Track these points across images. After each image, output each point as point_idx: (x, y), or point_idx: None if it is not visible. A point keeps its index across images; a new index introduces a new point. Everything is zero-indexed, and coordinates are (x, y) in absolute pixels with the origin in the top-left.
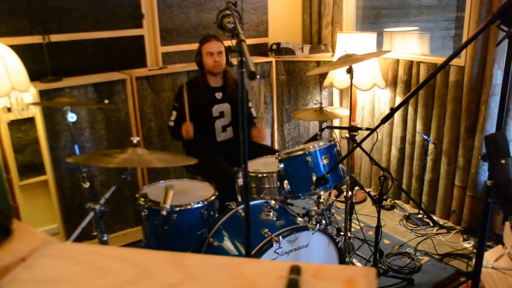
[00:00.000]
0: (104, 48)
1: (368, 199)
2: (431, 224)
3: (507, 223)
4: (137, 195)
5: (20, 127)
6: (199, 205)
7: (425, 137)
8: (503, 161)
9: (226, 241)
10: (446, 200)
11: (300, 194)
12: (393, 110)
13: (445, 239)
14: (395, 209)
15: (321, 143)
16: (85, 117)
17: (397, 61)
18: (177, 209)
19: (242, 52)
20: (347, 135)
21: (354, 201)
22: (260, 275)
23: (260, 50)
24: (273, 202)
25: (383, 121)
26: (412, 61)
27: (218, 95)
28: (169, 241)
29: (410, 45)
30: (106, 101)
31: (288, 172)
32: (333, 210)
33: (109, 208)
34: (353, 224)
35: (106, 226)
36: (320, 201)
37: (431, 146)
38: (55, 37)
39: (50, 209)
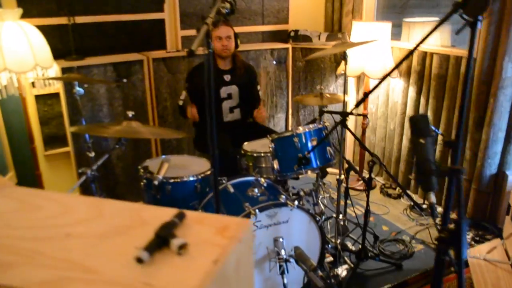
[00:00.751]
0: (126, 31)
1: (378, 186)
2: (436, 214)
3: (508, 217)
4: (139, 167)
5: (47, 101)
6: (193, 178)
7: (433, 128)
8: (422, 141)
9: (214, 212)
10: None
11: (288, 174)
12: (366, 94)
13: None
14: (401, 198)
15: (310, 126)
16: (104, 94)
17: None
18: (172, 181)
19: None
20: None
21: (364, 188)
22: (154, 218)
23: (281, 36)
24: (262, 179)
25: (357, 104)
26: (426, 52)
27: (227, 77)
28: None
29: (431, 36)
30: (125, 80)
31: (278, 152)
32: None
33: (107, 174)
34: (355, 209)
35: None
36: (319, 183)
37: (440, 138)
38: (80, 19)
39: (71, 178)
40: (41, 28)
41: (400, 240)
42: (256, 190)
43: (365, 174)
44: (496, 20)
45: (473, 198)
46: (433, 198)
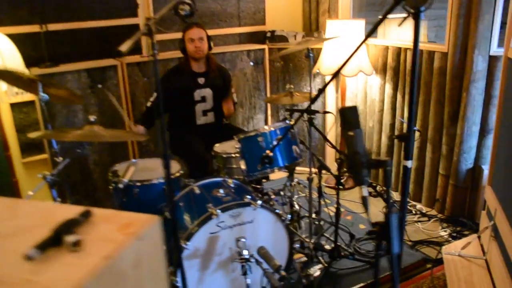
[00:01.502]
0: (100, 37)
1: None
2: (414, 212)
3: (483, 212)
4: (109, 171)
5: (22, 109)
6: (161, 181)
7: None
8: (350, 133)
9: (179, 213)
10: (431, 189)
11: (255, 173)
12: (320, 91)
13: (423, 227)
14: (381, 197)
15: (276, 125)
16: None
17: (386, 48)
18: (138, 184)
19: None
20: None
21: (346, 186)
22: (64, 217)
23: (258, 38)
24: (230, 180)
25: (312, 101)
26: (400, 48)
27: (201, 80)
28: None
29: (404, 32)
30: (99, 86)
31: (244, 152)
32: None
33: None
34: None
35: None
36: (289, 182)
37: (416, 134)
38: (52, 26)
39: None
40: (14, 36)
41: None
42: (221, 190)
43: (346, 173)
44: (464, 13)
45: (451, 194)
46: (365, 191)
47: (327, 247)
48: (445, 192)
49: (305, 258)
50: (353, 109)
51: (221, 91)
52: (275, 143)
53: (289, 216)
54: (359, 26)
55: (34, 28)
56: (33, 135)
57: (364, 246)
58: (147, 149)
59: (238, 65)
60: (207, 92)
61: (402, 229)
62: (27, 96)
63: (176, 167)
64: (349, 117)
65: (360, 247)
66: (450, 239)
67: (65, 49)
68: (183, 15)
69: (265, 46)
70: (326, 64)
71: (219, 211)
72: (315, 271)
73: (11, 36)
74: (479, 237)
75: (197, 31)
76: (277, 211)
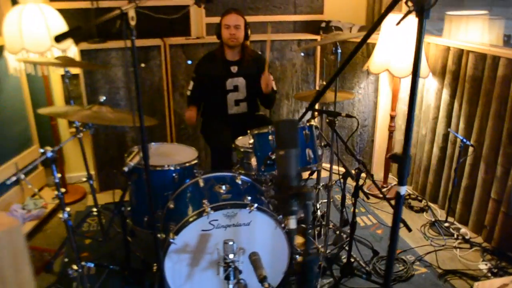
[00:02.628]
0: (150, 16)
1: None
2: (455, 236)
3: None
4: (125, 153)
5: (72, 81)
6: (171, 168)
7: (459, 136)
8: (281, 152)
9: (179, 204)
10: (479, 213)
11: (264, 173)
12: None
13: (461, 255)
14: (424, 213)
15: None
16: (121, 78)
17: (448, 48)
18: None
19: None
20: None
21: (387, 196)
22: None
23: (313, 27)
24: (238, 177)
25: (307, 109)
26: (462, 50)
27: (234, 68)
28: (142, 197)
29: (474, 32)
30: (143, 65)
31: (256, 149)
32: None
33: None
34: (365, 219)
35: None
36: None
37: (470, 149)
38: (103, 3)
39: (89, 154)
40: (66, 11)
41: (402, 260)
42: (223, 187)
43: (392, 181)
44: None
45: (500, 222)
46: (292, 224)
47: (345, 260)
48: (495, 220)
49: (317, 270)
50: (290, 123)
51: (256, 81)
52: None
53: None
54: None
55: (85, 4)
56: (41, 111)
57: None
58: (184, 132)
59: (287, 55)
60: (240, 81)
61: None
62: (76, 70)
63: (190, 156)
64: (282, 132)
65: (380, 266)
66: (489, 274)
67: (113, 26)
68: (204, 1)
69: (318, 37)
70: (377, 61)
71: (210, 209)
72: (323, 285)
73: (63, 11)
74: None
75: (234, 17)
76: (280, 217)
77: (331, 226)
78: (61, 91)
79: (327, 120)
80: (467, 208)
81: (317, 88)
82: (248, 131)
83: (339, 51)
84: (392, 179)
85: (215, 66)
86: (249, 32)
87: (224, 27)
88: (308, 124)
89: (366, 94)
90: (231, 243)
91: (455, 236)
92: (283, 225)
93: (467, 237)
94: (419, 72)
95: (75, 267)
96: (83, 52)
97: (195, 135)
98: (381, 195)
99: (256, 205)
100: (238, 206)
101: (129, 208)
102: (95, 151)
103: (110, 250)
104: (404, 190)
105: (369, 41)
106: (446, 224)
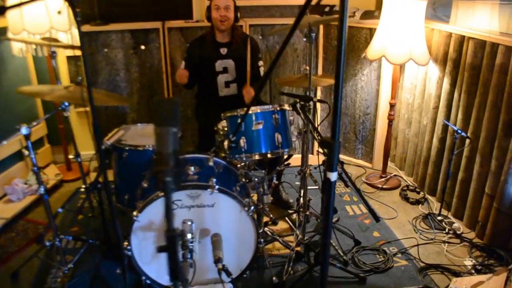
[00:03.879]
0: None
1: (401, 186)
2: (446, 230)
3: None
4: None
5: (77, 62)
6: (149, 148)
7: (454, 127)
8: (158, 130)
9: (151, 184)
10: (474, 208)
11: (234, 157)
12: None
13: (449, 249)
14: (420, 205)
15: (258, 108)
16: (121, 60)
17: (450, 35)
18: (127, 148)
19: None
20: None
21: (383, 186)
22: None
23: (319, 11)
24: (211, 159)
25: (259, 88)
26: (464, 37)
27: (223, 50)
28: (123, 176)
29: (480, 18)
30: (143, 47)
31: (229, 132)
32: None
33: None
34: (356, 208)
35: None
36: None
37: (467, 141)
38: None
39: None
40: None
41: (383, 250)
42: (192, 168)
43: (391, 170)
44: None
45: (493, 219)
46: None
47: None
48: (488, 215)
49: (294, 255)
50: (168, 102)
51: (244, 62)
52: (254, 127)
53: (252, 207)
54: (419, 7)
55: None
56: (20, 90)
57: (365, 257)
58: (183, 114)
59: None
60: (229, 63)
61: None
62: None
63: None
64: (160, 110)
65: (359, 257)
66: (473, 271)
67: (118, 9)
68: None
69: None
70: (374, 47)
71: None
72: (296, 270)
73: None
74: (507, 278)
75: None
76: (245, 200)
77: (308, 213)
78: (66, 71)
79: (299, 105)
80: (463, 202)
81: (302, 73)
82: (222, 114)
83: (313, 34)
84: (394, 169)
85: (205, 47)
86: (238, 14)
87: (214, 8)
88: (279, 108)
89: (369, 81)
90: (189, 223)
91: (446, 230)
92: (246, 208)
93: (458, 232)
94: (343, 58)
95: (51, 238)
96: (84, 34)
97: (193, 118)
98: (379, 185)
99: (217, 187)
100: (200, 187)
101: (113, 186)
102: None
103: (97, 226)
104: (335, 176)
105: (372, 26)
106: (440, 218)
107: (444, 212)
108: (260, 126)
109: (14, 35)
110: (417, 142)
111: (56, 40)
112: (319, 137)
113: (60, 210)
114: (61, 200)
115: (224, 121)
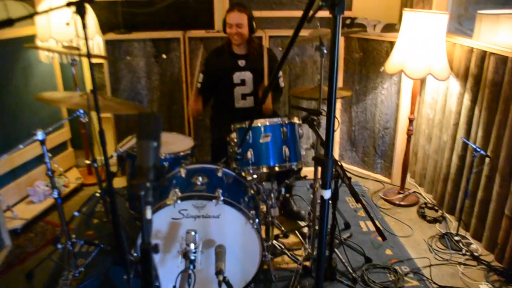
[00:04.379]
0: (175, 9)
1: (419, 203)
2: (464, 251)
3: None
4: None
5: (101, 69)
6: (161, 157)
7: (472, 145)
8: (139, 143)
9: (161, 192)
10: (493, 229)
11: (243, 168)
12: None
13: (465, 272)
14: (437, 224)
15: (266, 121)
16: (143, 68)
17: (471, 50)
18: (132, 155)
19: None
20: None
21: (400, 202)
22: None
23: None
24: (220, 169)
25: (261, 100)
26: (485, 52)
27: (241, 62)
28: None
29: (504, 32)
30: (164, 56)
31: (238, 144)
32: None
33: None
34: (370, 224)
35: None
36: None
37: (487, 160)
38: None
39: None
40: (97, 3)
41: (394, 269)
42: (200, 178)
43: (410, 187)
44: None
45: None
46: (148, 213)
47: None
48: (507, 238)
49: (301, 270)
50: (149, 117)
51: (263, 75)
52: (262, 140)
53: (257, 220)
54: (441, 21)
55: None
56: (36, 97)
57: (375, 276)
58: (202, 123)
59: (307, 51)
60: (247, 75)
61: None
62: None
63: (185, 146)
64: (142, 124)
65: (369, 275)
66: None
67: (142, 18)
68: None
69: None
70: (393, 61)
71: (176, 198)
72: (304, 285)
73: (96, 3)
74: None
75: (236, 15)
76: (251, 212)
77: (318, 227)
78: (89, 78)
79: (309, 119)
80: (482, 222)
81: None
82: (232, 125)
83: (323, 48)
84: (413, 186)
85: (223, 59)
86: (254, 25)
87: (227, 25)
88: (287, 121)
89: (389, 95)
90: (193, 233)
91: (463, 251)
92: (251, 220)
93: (476, 254)
94: (336, 76)
95: (63, 241)
96: (107, 42)
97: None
98: (397, 202)
99: (222, 198)
100: (206, 197)
101: (125, 192)
102: (117, 137)
103: (111, 231)
104: (328, 194)
105: (393, 40)
106: (457, 238)
107: (462, 232)
108: (268, 139)
109: (42, 42)
110: (437, 158)
111: (76, 49)
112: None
113: (76, 213)
114: (80, 203)
115: (235, 132)
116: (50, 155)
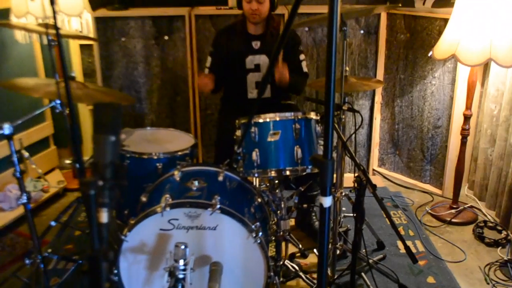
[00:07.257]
0: None
1: (477, 221)
2: None
3: None
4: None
5: (91, 52)
6: (154, 157)
7: None
8: (95, 137)
9: (150, 199)
10: None
11: (247, 171)
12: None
13: None
14: (500, 248)
15: (277, 116)
16: (140, 51)
17: None
18: (128, 155)
19: None
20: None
21: (452, 219)
22: None
23: None
24: (221, 173)
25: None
26: None
27: (256, 44)
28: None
29: None
30: (166, 38)
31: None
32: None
33: None
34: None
35: None
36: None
37: None
38: None
39: None
40: None
41: None
42: (196, 182)
43: (467, 200)
44: None
45: None
46: (104, 217)
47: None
48: None
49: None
50: (108, 108)
51: (282, 59)
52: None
53: (260, 233)
54: None
55: None
56: (2, 84)
57: None
58: (211, 118)
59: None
60: (262, 59)
61: None
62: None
63: (183, 145)
64: (98, 116)
65: None
66: None
67: None
68: None
69: (382, 11)
70: (445, 42)
71: (165, 206)
72: None
73: None
74: None
75: None
76: (257, 224)
77: (338, 246)
78: (79, 62)
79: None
80: None
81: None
82: (236, 121)
83: (345, 28)
84: (471, 199)
85: (235, 40)
86: (276, 2)
87: (244, 0)
88: (301, 117)
89: (441, 86)
90: (182, 247)
91: None
92: (254, 234)
93: None
94: (334, 62)
95: (33, 257)
96: (98, 20)
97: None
98: (448, 218)
99: (219, 206)
100: (200, 205)
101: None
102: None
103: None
104: (329, 202)
105: (448, 16)
106: None
107: None
108: (277, 137)
109: (17, 19)
110: (502, 166)
111: (53, 27)
112: (347, 154)
113: (53, 223)
114: (61, 211)
115: (240, 129)
116: (26, 153)
